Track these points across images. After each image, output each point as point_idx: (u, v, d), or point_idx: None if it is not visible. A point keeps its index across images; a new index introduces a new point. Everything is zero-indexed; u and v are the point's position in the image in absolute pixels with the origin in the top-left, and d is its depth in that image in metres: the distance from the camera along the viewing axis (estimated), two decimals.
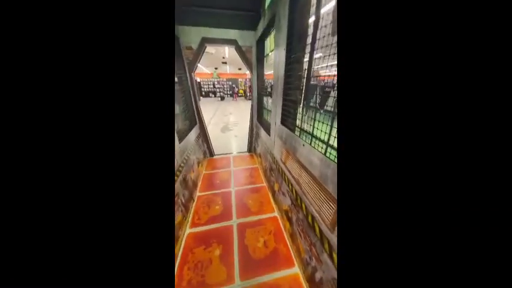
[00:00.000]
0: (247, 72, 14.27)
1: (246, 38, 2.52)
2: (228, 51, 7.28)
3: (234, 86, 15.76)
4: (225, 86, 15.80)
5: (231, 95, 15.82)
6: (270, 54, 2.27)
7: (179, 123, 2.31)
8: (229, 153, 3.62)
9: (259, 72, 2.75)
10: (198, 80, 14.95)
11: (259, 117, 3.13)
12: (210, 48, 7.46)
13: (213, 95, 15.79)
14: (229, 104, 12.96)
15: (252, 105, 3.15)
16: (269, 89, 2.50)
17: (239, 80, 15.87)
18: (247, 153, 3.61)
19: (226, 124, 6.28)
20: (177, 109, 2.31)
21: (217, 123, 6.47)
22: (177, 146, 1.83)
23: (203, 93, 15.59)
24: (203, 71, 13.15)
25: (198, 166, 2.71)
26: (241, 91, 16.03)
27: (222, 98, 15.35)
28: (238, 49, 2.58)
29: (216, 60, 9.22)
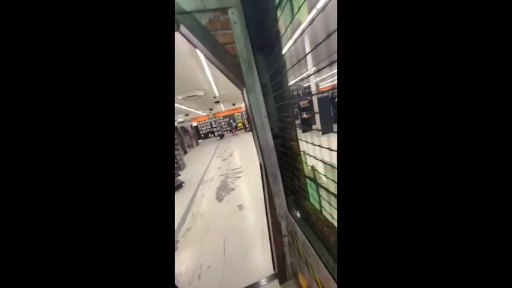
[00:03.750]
0: (242, 105, 13.91)
1: None
2: (216, 90, 6.11)
3: (231, 121, 16.01)
4: (223, 124, 16.06)
5: (230, 131, 15.54)
6: None
7: None
8: None
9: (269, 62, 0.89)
10: (195, 124, 14.93)
11: (291, 204, 1.15)
12: (197, 91, 6.42)
13: (212, 135, 15.95)
14: (229, 141, 11.95)
15: (261, 165, 1.13)
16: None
17: (235, 114, 15.97)
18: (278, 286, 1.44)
19: (225, 177, 4.53)
20: None
21: (213, 178, 4.74)
22: None
23: (202, 135, 15.65)
24: (199, 114, 12.97)
25: None
26: (240, 124, 16.02)
27: (221, 136, 14.91)
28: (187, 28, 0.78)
29: (208, 101, 8.48)
